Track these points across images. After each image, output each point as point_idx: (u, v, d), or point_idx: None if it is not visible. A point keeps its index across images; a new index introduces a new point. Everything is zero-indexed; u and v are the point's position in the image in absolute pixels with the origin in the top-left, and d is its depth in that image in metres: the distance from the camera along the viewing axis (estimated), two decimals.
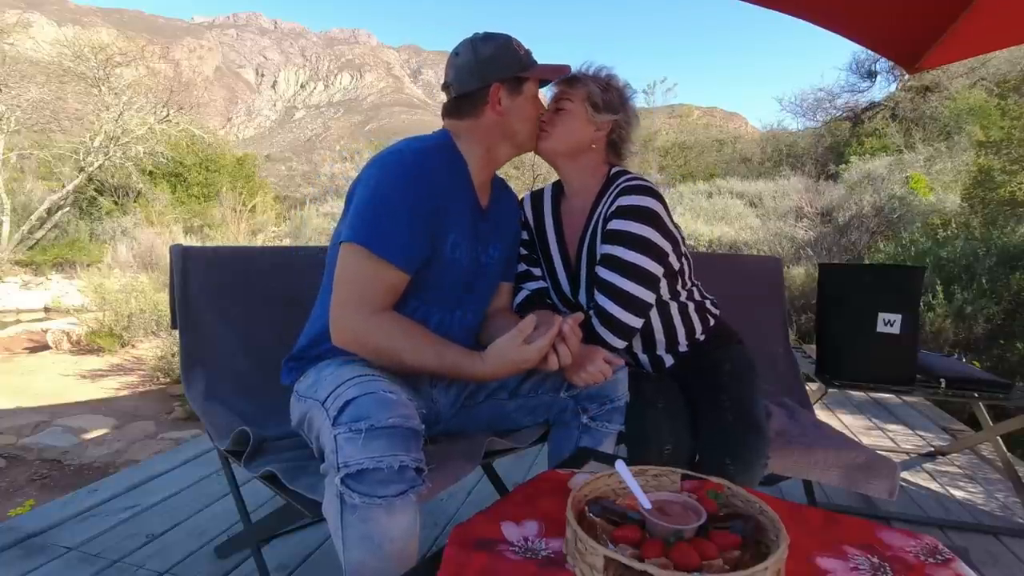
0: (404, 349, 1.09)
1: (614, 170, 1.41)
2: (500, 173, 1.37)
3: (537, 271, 1.47)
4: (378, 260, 1.08)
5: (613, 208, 1.31)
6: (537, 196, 1.51)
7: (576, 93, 1.35)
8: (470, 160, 1.22)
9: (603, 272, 1.29)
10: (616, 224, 1.29)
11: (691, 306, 1.46)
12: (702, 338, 1.47)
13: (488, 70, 1.19)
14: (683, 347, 1.46)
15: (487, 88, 1.18)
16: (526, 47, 1.24)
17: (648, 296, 1.28)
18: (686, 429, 1.27)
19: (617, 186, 1.34)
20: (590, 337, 1.27)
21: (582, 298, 1.40)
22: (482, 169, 1.25)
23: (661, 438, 1.23)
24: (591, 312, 1.31)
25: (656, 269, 1.29)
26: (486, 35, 1.22)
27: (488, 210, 1.28)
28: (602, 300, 1.28)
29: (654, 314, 1.40)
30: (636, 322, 1.28)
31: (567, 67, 1.31)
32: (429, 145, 1.19)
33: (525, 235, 1.48)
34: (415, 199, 1.10)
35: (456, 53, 1.22)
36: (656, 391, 1.33)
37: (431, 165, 1.15)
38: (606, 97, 1.36)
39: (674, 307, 1.43)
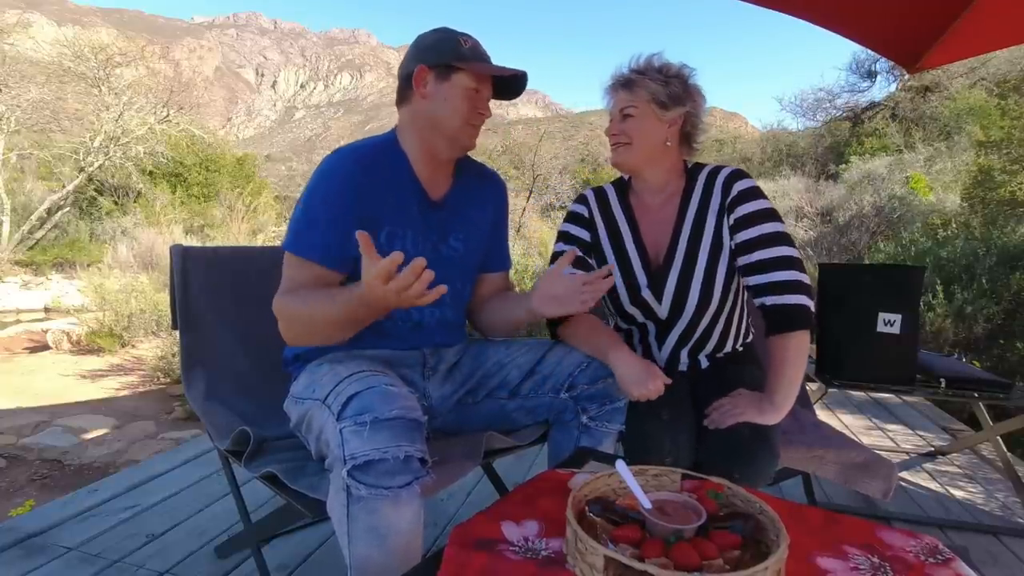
0: (311, 305, 1.09)
1: (692, 164, 1.43)
2: (499, 171, 1.37)
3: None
4: (301, 260, 1.13)
5: (735, 195, 1.33)
6: (601, 195, 1.48)
7: (638, 97, 1.32)
8: (410, 154, 1.24)
9: (768, 251, 1.29)
10: (750, 207, 1.32)
11: (744, 310, 1.47)
12: (741, 348, 1.47)
13: (421, 54, 1.21)
14: (724, 351, 1.44)
15: (414, 71, 1.20)
16: (479, 48, 1.22)
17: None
18: (688, 441, 1.23)
19: (713, 176, 1.38)
20: (780, 317, 1.25)
21: (668, 290, 1.36)
22: (425, 164, 1.24)
23: (661, 450, 1.20)
24: (769, 301, 1.27)
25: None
26: (436, 28, 1.25)
27: (445, 200, 1.27)
28: (782, 274, 1.27)
29: (721, 316, 1.39)
30: (807, 281, 1.30)
31: (510, 70, 1.21)
32: (366, 144, 1.22)
33: (584, 234, 1.44)
34: (334, 198, 1.14)
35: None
36: (662, 401, 1.27)
37: (362, 163, 1.17)
38: (670, 91, 1.32)
39: (735, 306, 1.42)
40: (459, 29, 1.25)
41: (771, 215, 1.31)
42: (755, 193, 1.33)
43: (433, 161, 1.25)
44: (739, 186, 1.34)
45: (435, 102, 1.19)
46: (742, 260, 1.32)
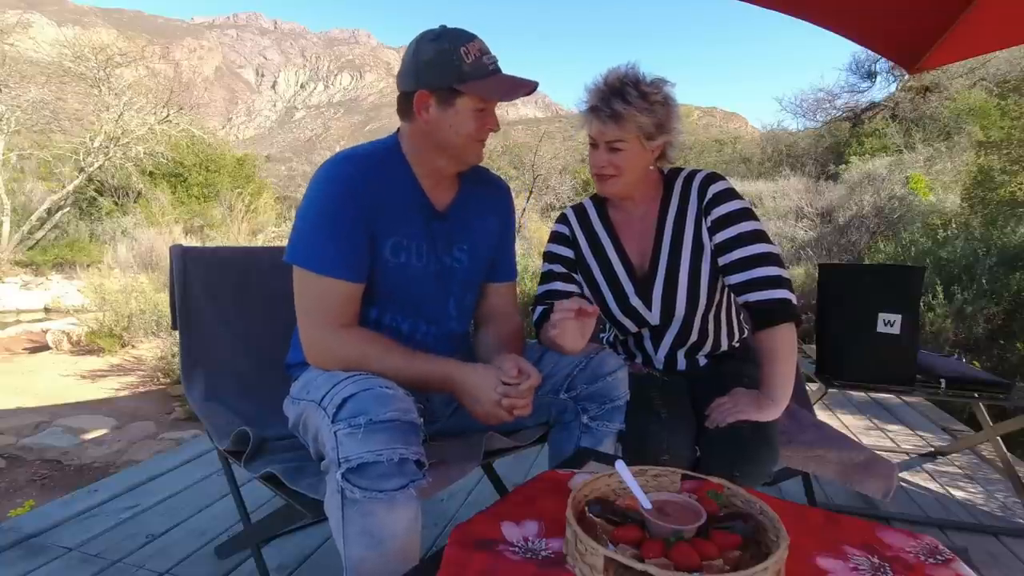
0: (372, 356, 1.09)
1: (667, 170, 1.45)
2: (499, 171, 1.36)
3: (569, 287, 1.44)
4: (319, 277, 1.10)
5: (710, 197, 1.36)
6: (581, 212, 1.50)
7: (627, 132, 1.30)
8: (414, 163, 1.19)
9: (746, 249, 1.31)
10: (726, 208, 1.35)
11: (734, 307, 1.49)
12: (737, 345, 1.49)
13: (421, 74, 1.11)
14: (721, 349, 1.47)
15: (415, 93, 1.12)
16: (483, 59, 1.11)
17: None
18: (686, 441, 1.24)
19: (689, 181, 1.40)
20: (763, 312, 1.29)
21: (656, 295, 1.39)
22: (428, 174, 1.20)
23: (660, 449, 1.21)
24: (752, 298, 1.30)
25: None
26: (436, 35, 1.12)
27: (450, 210, 1.24)
28: (762, 271, 1.30)
29: (711, 316, 1.42)
30: (787, 275, 1.33)
31: (522, 85, 1.13)
32: (368, 150, 1.18)
33: (568, 252, 1.47)
34: (341, 207, 1.10)
35: (408, 46, 1.16)
36: (661, 400, 1.30)
37: (363, 170, 1.13)
38: (656, 120, 1.30)
39: (724, 305, 1.45)
40: (463, 28, 1.13)
41: (747, 214, 1.35)
42: (731, 194, 1.36)
43: (436, 174, 1.22)
44: (714, 188, 1.37)
45: (439, 127, 1.14)
46: (722, 260, 1.35)
